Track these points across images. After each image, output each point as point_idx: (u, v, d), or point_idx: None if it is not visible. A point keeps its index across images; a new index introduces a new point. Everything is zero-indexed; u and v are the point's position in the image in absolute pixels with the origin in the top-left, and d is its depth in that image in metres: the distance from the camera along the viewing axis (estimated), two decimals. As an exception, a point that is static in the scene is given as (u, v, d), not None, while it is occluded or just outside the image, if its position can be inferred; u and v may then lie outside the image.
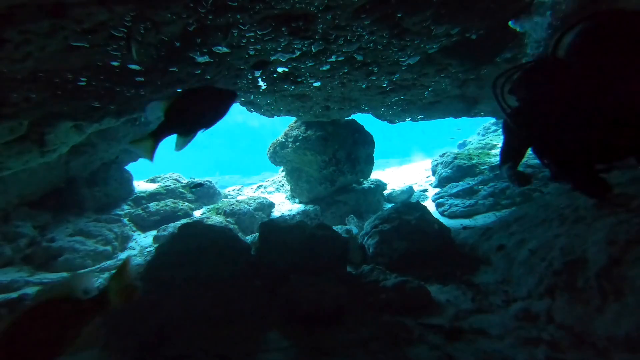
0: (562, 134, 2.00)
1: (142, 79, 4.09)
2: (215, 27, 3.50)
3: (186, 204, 9.81)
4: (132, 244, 7.88)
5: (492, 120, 15.07)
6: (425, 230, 5.53)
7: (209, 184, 11.20)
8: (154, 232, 8.27)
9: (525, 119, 2.20)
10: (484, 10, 3.68)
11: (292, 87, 5.58)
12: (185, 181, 11.16)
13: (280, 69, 4.85)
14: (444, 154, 11.58)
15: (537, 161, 5.35)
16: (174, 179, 11.14)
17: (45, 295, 1.60)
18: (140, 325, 3.77)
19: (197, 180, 11.47)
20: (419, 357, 3.08)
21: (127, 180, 9.52)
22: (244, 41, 3.86)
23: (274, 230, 4.95)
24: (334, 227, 5.76)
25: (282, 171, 11.96)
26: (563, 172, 2.20)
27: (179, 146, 2.33)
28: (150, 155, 2.38)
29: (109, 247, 7.14)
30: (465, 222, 7.20)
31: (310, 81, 5.38)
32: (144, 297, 4.01)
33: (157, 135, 2.31)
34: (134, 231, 8.40)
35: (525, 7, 3.77)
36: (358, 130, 9.30)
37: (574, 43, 1.71)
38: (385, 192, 10.59)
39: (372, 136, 9.52)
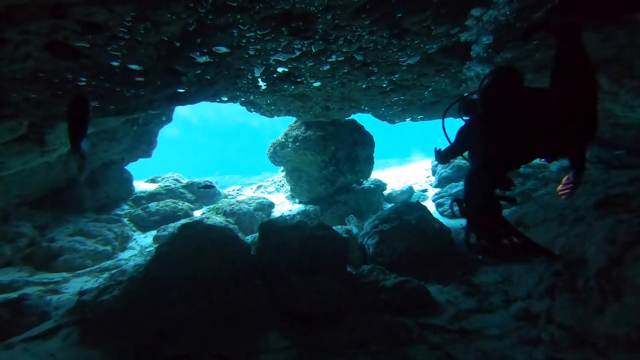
0: (477, 147, 2.99)
1: (142, 79, 4.09)
2: (216, 27, 3.50)
3: (186, 204, 9.82)
4: (132, 244, 7.89)
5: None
6: (425, 230, 5.54)
7: (208, 183, 11.22)
8: (154, 232, 8.28)
9: (462, 134, 3.17)
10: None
11: (292, 87, 5.58)
12: (185, 181, 11.17)
13: (280, 69, 4.85)
14: (444, 154, 11.57)
15: (536, 162, 5.35)
16: (174, 179, 11.14)
17: None
18: (140, 325, 3.77)
19: (197, 180, 11.47)
20: (419, 357, 3.08)
21: (127, 180, 9.53)
22: (244, 41, 3.86)
23: (274, 230, 4.95)
24: (334, 227, 5.77)
25: (282, 171, 11.97)
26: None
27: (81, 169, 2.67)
28: (81, 172, 2.75)
29: (109, 247, 7.15)
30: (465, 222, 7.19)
31: (310, 81, 5.38)
32: (144, 297, 4.01)
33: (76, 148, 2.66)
34: (134, 231, 8.41)
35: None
36: (358, 131, 9.30)
37: (484, 86, 2.62)
38: (385, 192, 10.60)
39: (372, 136, 9.53)
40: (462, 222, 7.22)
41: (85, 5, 2.65)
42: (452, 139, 3.26)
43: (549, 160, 2.76)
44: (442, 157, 3.41)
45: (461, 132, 3.21)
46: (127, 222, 8.49)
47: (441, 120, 3.46)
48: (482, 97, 2.64)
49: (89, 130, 5.27)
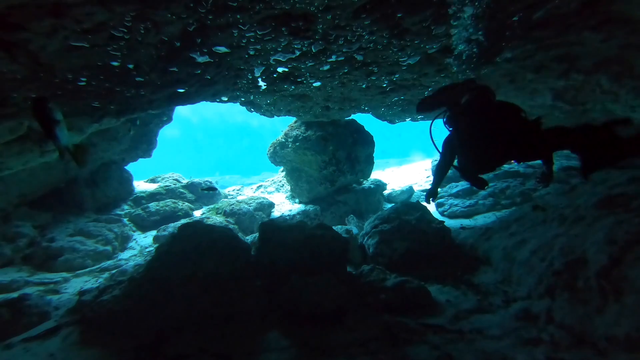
0: (463, 152, 3.62)
1: (142, 79, 4.09)
2: (216, 27, 3.50)
3: (186, 204, 9.82)
4: (132, 244, 7.89)
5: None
6: (425, 230, 5.53)
7: (208, 184, 11.21)
8: (154, 232, 8.27)
9: (449, 143, 3.78)
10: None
11: (292, 87, 5.58)
12: (185, 181, 11.16)
13: (280, 69, 4.85)
14: (444, 154, 11.59)
15: (537, 162, 5.37)
16: (174, 179, 11.14)
17: None
18: (141, 324, 3.77)
19: (197, 180, 11.46)
20: (419, 357, 3.08)
21: (127, 180, 9.53)
22: (244, 41, 3.87)
23: (274, 230, 4.95)
24: (334, 227, 5.76)
25: (282, 171, 11.96)
26: (464, 174, 3.69)
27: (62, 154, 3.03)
28: (63, 156, 3.04)
29: (109, 247, 7.15)
30: (465, 222, 7.20)
31: (310, 81, 5.38)
32: (144, 297, 4.01)
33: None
34: (134, 231, 8.41)
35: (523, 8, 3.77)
36: (358, 131, 9.30)
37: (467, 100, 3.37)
38: (385, 192, 10.59)
39: (372, 136, 9.52)
40: (462, 222, 7.24)
41: (85, 6, 2.65)
42: (439, 144, 3.97)
43: (518, 161, 3.62)
44: (440, 175, 4.11)
45: (448, 142, 3.84)
46: (127, 222, 8.49)
47: (438, 122, 3.94)
48: (466, 110, 3.30)
49: (90, 129, 5.28)
